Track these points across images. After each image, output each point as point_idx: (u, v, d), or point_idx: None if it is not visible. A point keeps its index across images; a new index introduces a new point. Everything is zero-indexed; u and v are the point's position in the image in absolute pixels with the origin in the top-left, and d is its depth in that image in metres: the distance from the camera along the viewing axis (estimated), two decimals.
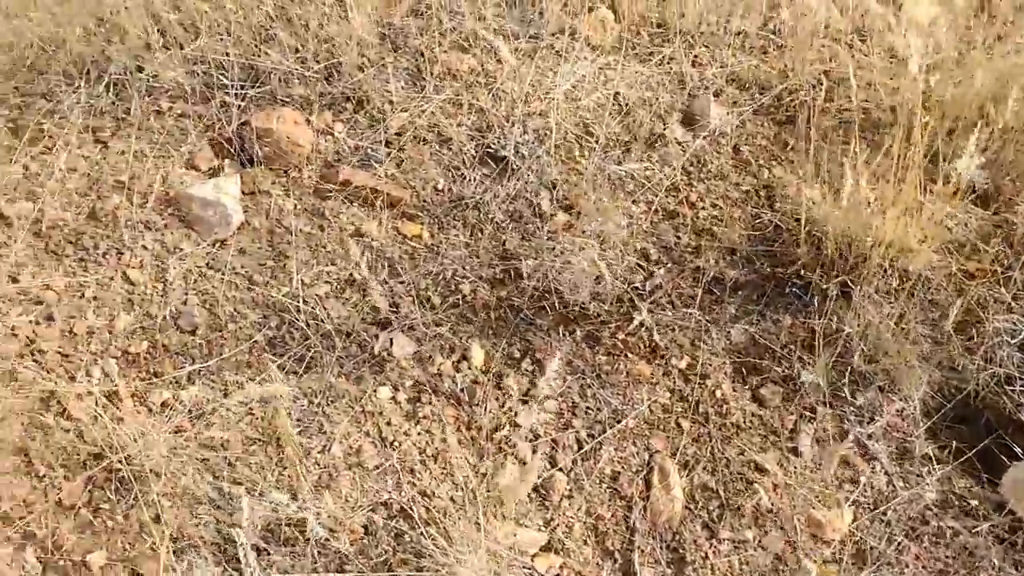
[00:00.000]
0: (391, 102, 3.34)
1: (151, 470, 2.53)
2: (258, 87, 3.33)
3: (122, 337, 2.84)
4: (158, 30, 3.42)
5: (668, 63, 3.47)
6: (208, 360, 2.78)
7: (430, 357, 2.84)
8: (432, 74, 3.41)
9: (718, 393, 2.78)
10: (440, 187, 3.18)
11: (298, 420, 2.68)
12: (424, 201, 3.16)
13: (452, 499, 2.60)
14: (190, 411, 2.70)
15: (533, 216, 3.09)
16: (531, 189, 3.12)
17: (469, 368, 2.84)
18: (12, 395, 2.68)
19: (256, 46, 3.37)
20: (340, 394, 2.76)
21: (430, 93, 3.36)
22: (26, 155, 3.24)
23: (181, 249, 3.03)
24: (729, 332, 2.88)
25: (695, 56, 3.48)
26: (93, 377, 2.76)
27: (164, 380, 2.76)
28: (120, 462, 2.54)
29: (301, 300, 2.90)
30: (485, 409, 2.75)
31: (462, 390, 2.78)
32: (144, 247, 3.02)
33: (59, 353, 2.80)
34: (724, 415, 2.76)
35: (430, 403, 2.76)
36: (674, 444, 2.73)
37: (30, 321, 2.87)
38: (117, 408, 2.68)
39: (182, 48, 3.40)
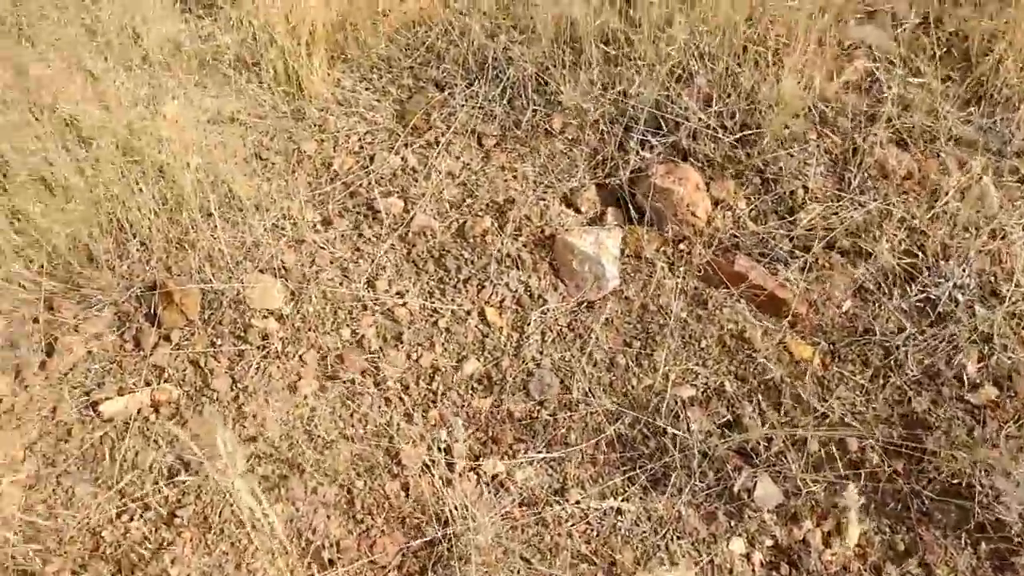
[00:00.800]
0: (806, 188, 2.86)
1: (472, 558, 2.23)
2: (662, 135, 2.93)
3: (466, 385, 2.57)
4: (571, 43, 3.09)
5: None
6: (551, 447, 2.46)
7: (796, 516, 2.39)
8: (859, 167, 2.89)
9: None
10: (846, 310, 2.68)
11: (635, 548, 2.30)
12: (823, 322, 2.68)
13: None
14: (522, 497, 2.38)
15: (954, 379, 2.53)
16: (959, 346, 2.56)
17: (841, 544, 2.37)
18: (348, 418, 2.47)
19: (670, 85, 2.97)
20: (688, 530, 2.36)
21: (854, 191, 2.85)
22: (407, 145, 3.01)
23: (545, 300, 2.71)
24: None
25: None
26: (429, 422, 2.49)
27: (501, 450, 2.46)
28: (443, 538, 2.26)
29: (664, 400, 2.51)
30: None
31: (830, 574, 2.30)
32: (507, 286, 2.73)
33: (400, 383, 2.56)
34: None
35: None
36: None
37: (377, 335, 2.64)
38: (449, 468, 2.41)
39: (589, 67, 3.05)
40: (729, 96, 2.97)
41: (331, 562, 2.28)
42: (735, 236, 2.80)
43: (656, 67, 2.93)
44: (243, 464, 1.84)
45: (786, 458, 2.46)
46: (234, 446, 1.72)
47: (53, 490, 2.38)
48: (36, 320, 2.62)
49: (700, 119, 2.92)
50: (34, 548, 2.23)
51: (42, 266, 2.68)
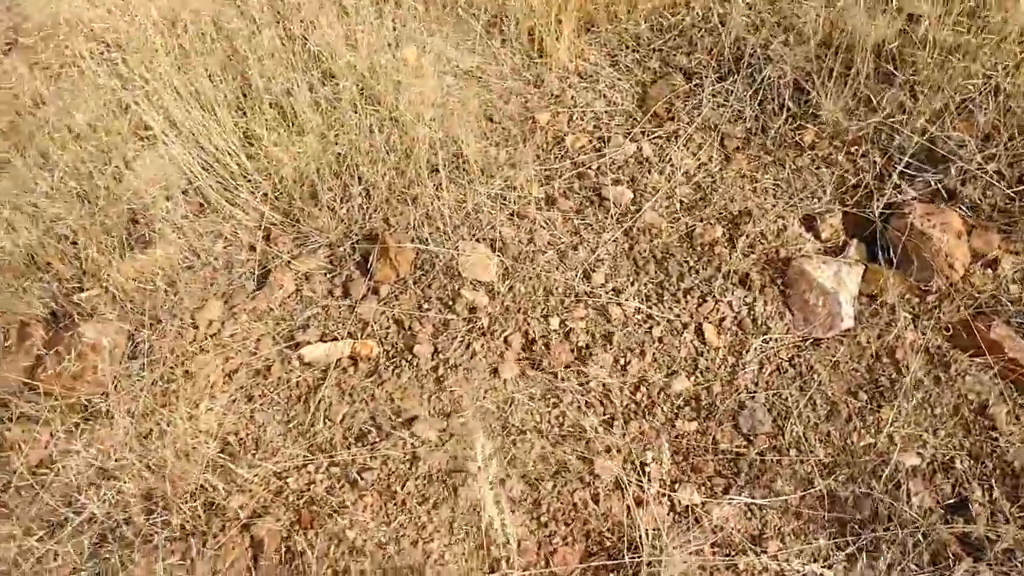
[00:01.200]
0: None
1: None
2: (929, 171, 2.64)
3: (673, 403, 2.40)
4: (841, 52, 2.81)
5: None
6: (754, 489, 2.27)
7: None
8: None
9: None
10: None
11: None
12: None
13: None
14: (716, 537, 2.21)
15: None
16: None
17: None
18: (546, 413, 2.35)
19: (946, 117, 2.66)
20: None
21: None
22: (644, 133, 2.83)
23: (768, 327, 2.50)
24: None
25: None
26: (629, 434, 2.34)
27: (699, 480, 2.30)
28: (629, 564, 2.12)
29: (886, 465, 2.27)
30: None
31: None
32: (730, 304, 2.53)
33: (604, 387, 2.41)
34: None
35: None
36: None
37: (587, 331, 2.50)
38: (641, 486, 2.26)
39: (857, 81, 2.77)
40: (1013, 139, 2.64)
41: (507, 559, 2.18)
42: (994, 297, 2.51)
43: (938, 94, 2.63)
44: (496, 472, 1.74)
45: (1015, 558, 2.19)
46: (493, 452, 1.61)
47: (246, 424, 2.37)
48: (253, 248, 2.60)
49: (977, 161, 2.61)
50: (223, 482, 2.21)
51: (266, 195, 2.65)
